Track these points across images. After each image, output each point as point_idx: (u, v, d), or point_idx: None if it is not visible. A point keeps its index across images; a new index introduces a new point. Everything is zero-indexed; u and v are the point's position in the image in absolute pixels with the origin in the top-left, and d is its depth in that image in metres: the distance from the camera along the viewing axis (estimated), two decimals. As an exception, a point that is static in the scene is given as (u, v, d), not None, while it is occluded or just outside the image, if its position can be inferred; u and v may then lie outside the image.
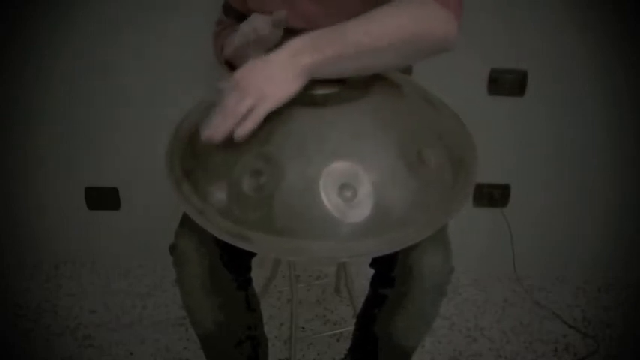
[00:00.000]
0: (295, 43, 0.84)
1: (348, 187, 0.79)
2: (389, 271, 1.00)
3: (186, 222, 1.02)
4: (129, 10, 1.55)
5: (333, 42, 0.84)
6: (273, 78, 0.82)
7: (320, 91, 0.88)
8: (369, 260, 1.07)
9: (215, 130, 0.82)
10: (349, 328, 1.26)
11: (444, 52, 0.92)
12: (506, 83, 1.60)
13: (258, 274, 1.15)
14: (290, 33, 1.06)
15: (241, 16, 1.20)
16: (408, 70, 1.24)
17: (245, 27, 0.99)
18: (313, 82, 0.87)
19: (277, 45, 0.87)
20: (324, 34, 0.85)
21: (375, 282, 1.08)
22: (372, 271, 1.09)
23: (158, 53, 1.60)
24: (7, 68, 1.62)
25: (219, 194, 0.83)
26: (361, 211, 0.79)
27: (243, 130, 0.81)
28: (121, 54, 1.60)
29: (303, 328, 1.62)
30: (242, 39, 1.00)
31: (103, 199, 1.79)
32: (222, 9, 1.25)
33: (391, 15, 0.87)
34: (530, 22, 1.53)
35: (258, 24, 0.98)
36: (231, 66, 1.18)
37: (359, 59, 0.86)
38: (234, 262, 1.03)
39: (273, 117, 0.84)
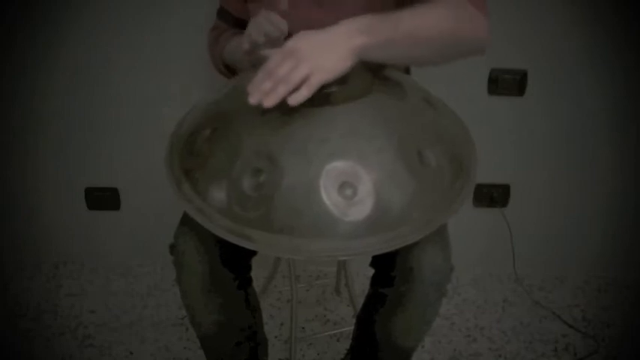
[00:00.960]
0: (352, 23, 0.85)
1: (349, 186, 0.79)
2: (389, 270, 1.00)
3: (186, 221, 1.03)
4: (129, 10, 1.55)
5: (387, 28, 0.86)
6: (330, 51, 0.83)
7: (321, 91, 0.88)
8: (369, 260, 1.07)
9: (267, 95, 0.81)
10: (349, 328, 1.26)
11: (479, 52, 0.95)
12: (506, 83, 1.60)
13: (258, 274, 1.15)
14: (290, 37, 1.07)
15: (237, 21, 1.19)
16: (406, 71, 1.24)
17: (254, 32, 0.98)
18: None
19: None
20: (380, 19, 0.86)
21: (375, 282, 1.08)
22: (372, 271, 1.09)
23: (158, 53, 1.60)
24: (7, 68, 1.62)
25: (219, 193, 0.83)
26: (361, 209, 0.79)
27: (297, 99, 0.81)
28: (121, 54, 1.60)
29: (303, 328, 1.62)
30: (251, 42, 0.99)
31: (103, 199, 1.79)
32: (217, 14, 1.25)
33: (436, 11, 0.90)
34: (530, 22, 1.53)
35: (267, 27, 0.97)
36: (231, 70, 1.18)
37: (407, 48, 0.89)
38: (235, 261, 1.03)
39: (274, 115, 0.84)
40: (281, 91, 0.80)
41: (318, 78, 0.81)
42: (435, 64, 0.96)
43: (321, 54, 0.82)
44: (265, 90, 0.81)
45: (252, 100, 0.81)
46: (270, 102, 0.80)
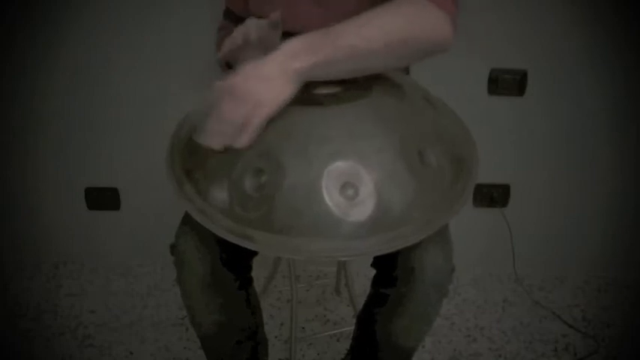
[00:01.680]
0: (288, 47, 0.83)
1: (350, 186, 0.79)
2: (390, 271, 1.00)
3: (187, 221, 1.02)
4: (129, 10, 1.55)
5: (327, 45, 0.83)
6: (267, 83, 0.81)
7: (321, 91, 0.88)
8: (370, 260, 1.07)
9: (212, 138, 0.82)
10: (349, 328, 1.26)
11: (441, 53, 0.91)
12: (506, 83, 1.60)
13: (258, 274, 1.15)
14: (290, 36, 1.07)
15: (241, 20, 1.20)
16: (405, 70, 1.24)
17: (236, 31, 0.99)
18: (315, 82, 0.87)
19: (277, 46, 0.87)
20: (318, 36, 0.84)
21: (376, 282, 1.08)
22: (372, 271, 1.09)
23: (158, 53, 1.60)
24: (7, 68, 1.62)
25: (220, 193, 0.83)
26: (363, 210, 0.79)
27: (241, 142, 0.81)
28: (121, 54, 1.60)
29: (303, 328, 1.62)
30: (231, 43, 1.00)
31: (103, 199, 1.79)
32: (224, 15, 1.25)
33: (386, 16, 0.86)
34: (530, 22, 1.53)
35: (249, 28, 0.98)
36: (231, 68, 1.18)
37: (353, 61, 0.85)
38: (235, 261, 1.03)
39: (275, 116, 0.84)
40: (228, 133, 0.81)
41: (259, 116, 0.80)
42: (395, 68, 0.94)
43: (260, 88, 0.80)
44: (212, 132, 0.82)
45: (201, 140, 0.83)
46: (217, 144, 0.82)
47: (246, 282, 1.10)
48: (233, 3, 1.20)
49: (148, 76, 1.63)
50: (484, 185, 1.72)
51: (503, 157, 1.69)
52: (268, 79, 0.81)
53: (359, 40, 0.84)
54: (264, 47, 1.00)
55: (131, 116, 1.68)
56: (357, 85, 0.90)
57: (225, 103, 0.81)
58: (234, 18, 1.21)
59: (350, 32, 0.84)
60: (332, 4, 1.07)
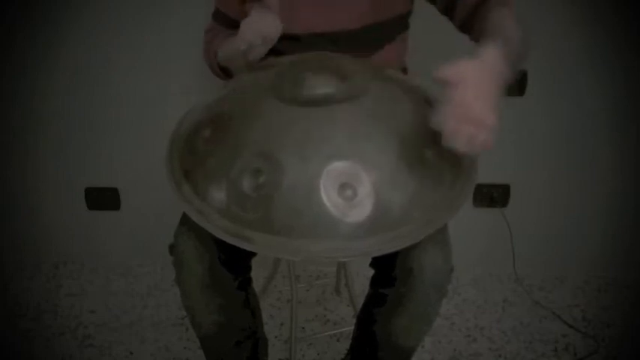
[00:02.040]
0: (494, 72, 0.85)
1: (348, 187, 0.79)
2: (389, 271, 1.00)
3: (185, 222, 1.02)
4: (129, 10, 1.55)
5: (507, 67, 0.87)
6: (491, 107, 0.84)
7: (320, 91, 0.88)
8: (369, 260, 1.07)
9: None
10: (349, 328, 1.26)
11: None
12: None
13: (258, 274, 1.15)
14: (290, 39, 1.07)
15: (233, 23, 1.18)
16: (403, 71, 1.24)
17: (249, 33, 0.98)
18: (314, 82, 0.87)
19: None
20: (503, 58, 0.87)
21: (375, 282, 1.08)
22: (372, 271, 1.09)
23: (158, 53, 1.60)
24: (7, 68, 1.62)
25: (218, 194, 0.83)
26: (361, 210, 0.79)
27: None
28: (121, 54, 1.60)
29: (303, 328, 1.62)
30: (233, 49, 1.00)
31: (103, 199, 1.79)
32: (213, 16, 1.23)
33: (514, 33, 0.94)
34: (529, 22, 1.53)
35: (263, 28, 0.97)
36: (226, 72, 1.17)
37: (515, 71, 0.92)
38: (234, 262, 1.03)
39: (273, 116, 0.84)
40: (469, 150, 0.80)
41: (490, 141, 0.82)
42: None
43: (493, 116, 0.82)
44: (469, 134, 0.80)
45: (437, 127, 0.80)
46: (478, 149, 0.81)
47: (246, 282, 1.10)
48: (227, 5, 1.18)
49: (148, 76, 1.63)
50: (484, 185, 1.72)
51: (503, 157, 1.69)
52: (492, 104, 0.84)
53: (521, 53, 0.93)
54: (266, 43, 0.99)
55: (131, 116, 1.68)
56: (356, 85, 0.90)
57: (465, 128, 0.80)
58: (225, 20, 1.20)
59: (517, 46, 0.91)
60: (332, 9, 1.06)
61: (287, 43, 1.06)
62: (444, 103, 0.79)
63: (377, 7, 1.07)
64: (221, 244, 0.97)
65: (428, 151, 0.85)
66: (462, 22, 1.04)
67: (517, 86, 1.60)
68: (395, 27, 1.14)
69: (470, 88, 0.79)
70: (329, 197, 0.78)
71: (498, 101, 0.83)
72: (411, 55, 1.23)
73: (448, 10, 1.06)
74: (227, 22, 1.20)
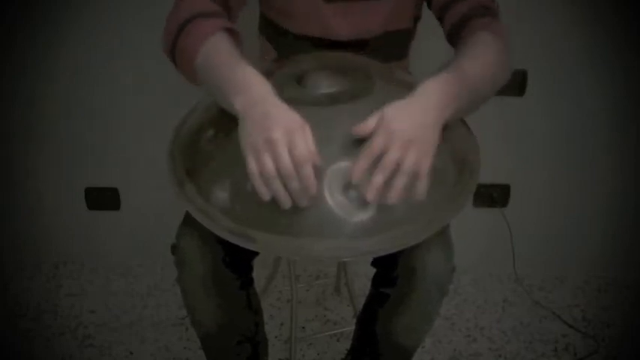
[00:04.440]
0: (438, 93, 0.81)
1: (352, 186, 0.79)
2: (391, 270, 1.00)
3: (188, 221, 1.02)
4: (129, 10, 1.55)
5: (463, 90, 0.84)
6: (427, 130, 0.78)
7: (324, 91, 0.88)
8: (371, 260, 1.07)
9: (383, 191, 0.75)
10: (349, 328, 1.26)
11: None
12: (506, 83, 1.59)
13: (258, 274, 1.15)
14: (310, 41, 1.07)
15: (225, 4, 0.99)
16: (406, 69, 1.24)
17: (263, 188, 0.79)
18: (317, 82, 0.87)
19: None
20: (456, 82, 0.83)
21: (376, 281, 1.08)
22: (372, 271, 1.09)
23: (158, 53, 1.59)
24: (7, 68, 1.62)
25: (222, 193, 0.83)
26: (365, 210, 0.79)
27: (420, 193, 0.76)
28: (121, 54, 1.60)
29: (303, 328, 1.62)
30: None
31: (103, 199, 1.79)
32: None
33: (485, 58, 0.91)
34: (530, 22, 1.53)
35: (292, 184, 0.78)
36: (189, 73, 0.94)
37: (473, 103, 0.89)
38: (237, 262, 1.03)
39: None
40: (399, 184, 0.74)
41: (426, 165, 0.76)
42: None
43: (422, 135, 0.77)
44: (378, 184, 0.74)
45: (370, 197, 0.74)
46: (393, 199, 0.75)
47: (247, 282, 1.10)
48: None
49: (148, 76, 1.63)
50: (484, 185, 1.72)
51: (503, 157, 1.69)
52: (428, 127, 0.78)
53: (480, 84, 0.88)
54: None
55: (131, 116, 1.68)
56: (360, 85, 0.90)
57: (393, 151, 0.75)
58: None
59: (475, 76, 0.87)
60: (355, 14, 1.07)
61: (306, 45, 1.07)
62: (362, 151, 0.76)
63: (394, 15, 1.09)
64: (224, 244, 0.97)
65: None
66: (449, 34, 1.04)
67: (517, 86, 1.60)
68: (410, 35, 1.17)
69: (388, 134, 0.75)
70: (333, 197, 0.78)
71: (436, 131, 0.79)
72: (412, 55, 1.23)
73: (440, 20, 1.07)
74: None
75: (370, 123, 0.78)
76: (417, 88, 0.81)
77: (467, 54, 0.90)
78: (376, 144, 0.75)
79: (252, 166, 0.74)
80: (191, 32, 0.87)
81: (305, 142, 0.74)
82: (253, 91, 0.78)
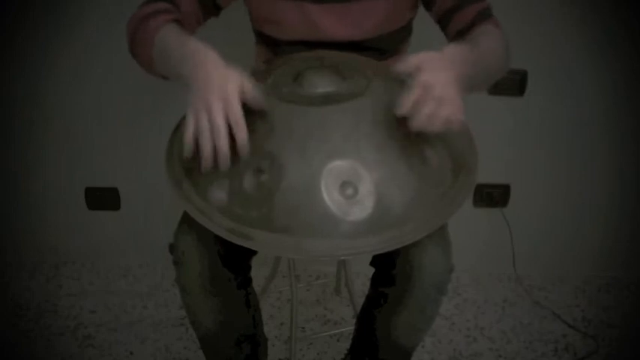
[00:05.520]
0: (456, 54, 0.87)
1: (349, 185, 0.79)
2: (389, 269, 1.00)
3: (186, 221, 1.02)
4: (129, 10, 1.54)
5: (474, 59, 0.90)
6: (456, 88, 0.83)
7: (322, 90, 0.88)
8: (370, 259, 1.07)
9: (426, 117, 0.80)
10: (349, 328, 1.26)
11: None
12: (506, 83, 1.59)
13: (258, 274, 1.15)
14: (304, 45, 1.07)
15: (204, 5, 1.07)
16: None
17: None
18: (315, 81, 0.88)
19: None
20: (467, 49, 0.89)
21: (375, 281, 1.08)
22: (372, 271, 1.09)
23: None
24: (7, 68, 1.62)
25: (219, 192, 0.83)
26: (362, 208, 0.79)
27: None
28: (122, 54, 1.60)
29: (303, 328, 1.62)
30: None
31: (103, 199, 1.79)
32: None
33: (493, 42, 0.97)
34: (530, 22, 1.53)
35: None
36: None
37: (481, 80, 0.96)
38: (235, 261, 1.03)
39: (274, 115, 0.84)
40: (442, 114, 0.79)
41: (456, 118, 0.81)
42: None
43: (455, 94, 0.82)
44: (427, 112, 0.79)
45: (417, 124, 0.80)
46: (436, 126, 0.80)
47: (246, 282, 1.10)
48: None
49: (148, 76, 1.62)
50: (484, 185, 1.72)
51: (503, 157, 1.69)
52: (456, 85, 0.83)
53: (492, 59, 0.95)
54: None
55: (131, 116, 1.68)
56: (358, 84, 0.90)
57: (429, 104, 0.79)
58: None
59: (488, 50, 0.94)
60: (346, 15, 1.07)
61: (299, 49, 1.07)
62: (406, 90, 0.81)
63: (390, 15, 1.09)
64: (222, 244, 0.97)
65: (428, 149, 0.85)
66: (453, 39, 1.06)
67: (517, 86, 1.60)
68: (406, 32, 1.17)
69: (428, 72, 0.81)
70: (330, 195, 0.78)
71: (460, 90, 0.83)
72: (410, 51, 1.23)
73: (441, 24, 1.08)
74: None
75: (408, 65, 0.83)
76: (443, 50, 0.86)
77: (478, 33, 0.97)
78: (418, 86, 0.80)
79: (189, 124, 0.80)
80: (146, 29, 0.97)
81: (234, 112, 0.79)
82: (198, 56, 0.85)
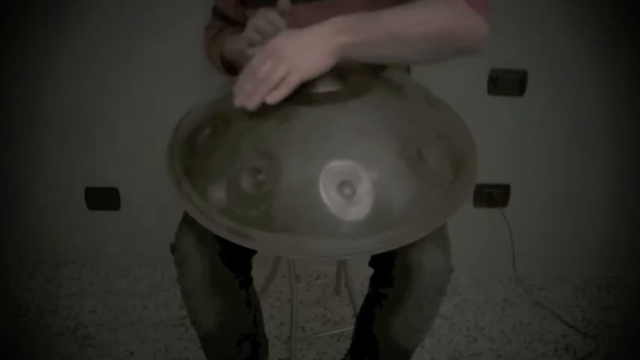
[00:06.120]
0: (336, 22, 0.85)
1: (348, 185, 0.79)
2: (388, 270, 1.00)
3: (186, 221, 1.02)
4: (129, 10, 1.55)
5: (372, 27, 0.86)
6: (309, 50, 0.83)
7: (321, 90, 0.88)
8: (369, 259, 1.07)
9: (248, 97, 0.83)
10: (349, 328, 1.26)
11: (471, 53, 0.94)
12: (506, 83, 1.60)
13: (258, 274, 1.15)
14: None
15: (230, 20, 1.19)
16: (406, 69, 1.24)
17: (248, 30, 0.99)
18: (315, 80, 0.88)
19: None
20: (362, 17, 0.86)
21: (374, 281, 1.08)
22: (371, 271, 1.09)
23: (158, 53, 1.60)
24: (7, 68, 1.62)
25: (219, 192, 0.83)
26: (361, 208, 0.79)
27: (274, 98, 0.82)
28: (121, 54, 1.60)
29: (303, 328, 1.62)
30: (247, 40, 1.00)
31: (103, 199, 1.79)
32: (212, 13, 1.24)
33: (427, 9, 0.89)
34: (530, 22, 1.53)
35: (258, 23, 0.98)
36: (230, 69, 1.18)
37: (390, 48, 0.88)
38: (236, 261, 1.03)
39: (273, 114, 0.84)
40: (261, 92, 0.82)
41: (296, 76, 0.82)
42: (425, 63, 0.96)
43: (301, 53, 0.83)
44: (247, 91, 0.83)
45: (237, 102, 0.84)
46: (252, 104, 0.83)
47: (247, 281, 1.10)
48: (224, 4, 1.20)
49: (148, 76, 1.63)
50: (484, 185, 1.72)
51: (503, 157, 1.69)
52: (312, 47, 0.83)
53: (400, 27, 0.87)
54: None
55: (131, 116, 1.68)
56: (357, 84, 0.90)
57: (266, 63, 0.83)
58: (222, 17, 1.22)
59: (393, 19, 0.87)
60: (331, 11, 1.06)
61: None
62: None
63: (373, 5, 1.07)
64: (222, 243, 0.97)
65: (428, 150, 0.85)
66: None
67: (517, 86, 1.60)
68: None
69: (269, 50, 0.83)
70: (328, 195, 0.78)
71: (314, 56, 0.84)
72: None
73: None
74: (225, 20, 1.21)
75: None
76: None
77: (406, 4, 0.90)
78: (254, 60, 0.84)
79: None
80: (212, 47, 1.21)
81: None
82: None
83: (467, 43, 0.93)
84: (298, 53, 0.83)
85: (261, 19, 0.96)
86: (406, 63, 0.93)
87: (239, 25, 1.18)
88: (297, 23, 1.06)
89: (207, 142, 0.88)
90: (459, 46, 0.92)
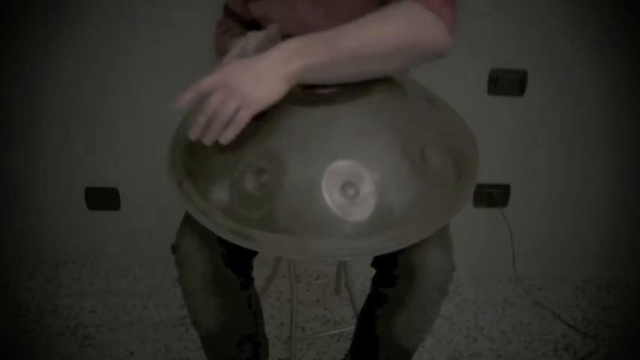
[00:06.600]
0: (286, 47, 0.83)
1: (351, 186, 0.79)
2: (391, 270, 1.00)
3: (188, 221, 1.02)
4: (129, 10, 1.55)
5: (325, 47, 0.83)
6: (260, 80, 0.81)
7: (323, 90, 0.88)
8: (370, 260, 1.07)
9: (203, 133, 0.84)
10: (349, 328, 1.26)
11: (437, 58, 0.92)
12: (506, 83, 1.60)
13: (258, 274, 1.15)
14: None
15: (239, 18, 1.20)
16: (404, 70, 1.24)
17: (235, 46, 0.99)
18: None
19: None
20: (316, 39, 0.84)
21: (376, 281, 1.08)
22: (372, 272, 1.09)
23: (159, 53, 1.60)
24: (7, 68, 1.62)
25: (221, 193, 0.83)
26: (363, 209, 0.79)
27: (226, 138, 0.82)
28: (122, 54, 1.60)
29: (303, 328, 1.62)
30: (231, 57, 0.98)
31: (103, 199, 1.79)
32: (224, 10, 1.25)
33: (385, 22, 0.86)
34: (530, 22, 1.53)
35: (247, 41, 0.98)
36: None
37: (351, 65, 0.85)
38: (237, 261, 1.03)
39: (276, 115, 0.84)
40: (215, 127, 0.82)
41: (247, 112, 0.81)
42: (389, 73, 0.93)
43: (252, 84, 0.81)
44: (201, 125, 0.83)
45: (191, 135, 0.84)
46: (207, 140, 0.83)
47: (248, 282, 1.10)
48: (233, 2, 1.21)
49: (148, 76, 1.63)
50: (484, 185, 1.72)
51: (503, 157, 1.69)
52: (260, 78, 0.81)
53: (358, 44, 0.84)
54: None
55: (131, 116, 1.68)
56: (359, 85, 0.90)
57: (216, 97, 0.82)
58: (232, 15, 1.22)
59: (349, 36, 0.84)
60: (332, 8, 1.06)
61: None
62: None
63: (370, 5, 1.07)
64: (224, 244, 0.97)
65: (430, 150, 0.85)
66: None
67: (517, 86, 1.60)
68: None
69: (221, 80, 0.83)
70: (331, 196, 0.78)
71: (267, 86, 0.82)
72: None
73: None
74: (234, 17, 1.21)
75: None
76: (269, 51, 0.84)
77: (361, 19, 0.88)
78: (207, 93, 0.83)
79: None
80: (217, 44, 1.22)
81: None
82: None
83: (428, 50, 0.90)
84: (249, 85, 0.81)
85: (252, 40, 0.96)
86: (373, 76, 0.90)
87: (246, 21, 1.19)
88: (297, 18, 1.06)
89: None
90: (421, 53, 0.90)
